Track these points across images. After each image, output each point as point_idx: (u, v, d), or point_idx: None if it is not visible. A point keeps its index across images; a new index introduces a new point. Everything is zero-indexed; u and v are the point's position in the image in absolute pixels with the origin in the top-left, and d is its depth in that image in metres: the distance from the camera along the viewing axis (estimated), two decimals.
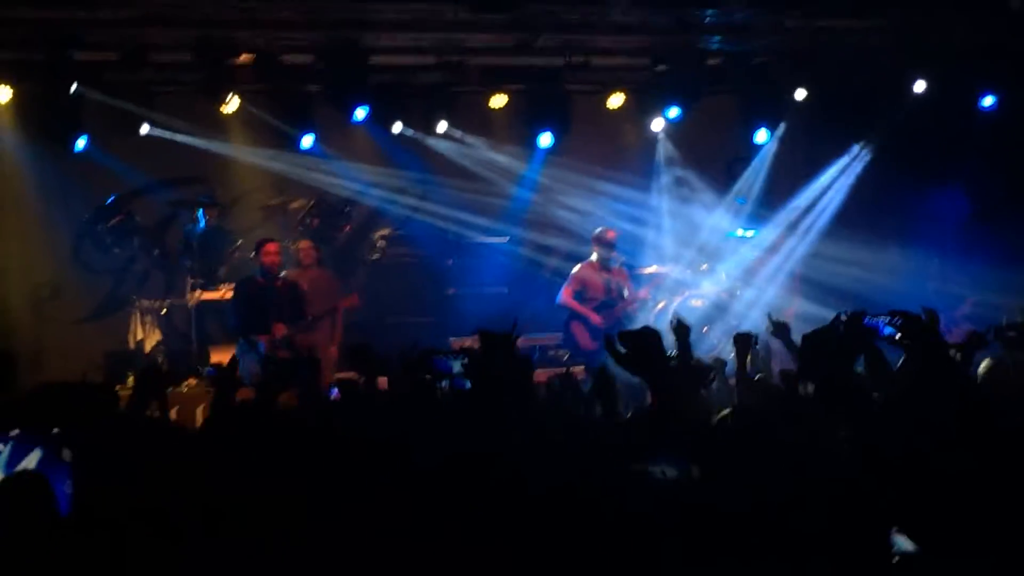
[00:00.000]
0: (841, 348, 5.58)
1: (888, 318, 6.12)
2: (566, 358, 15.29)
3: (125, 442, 6.41)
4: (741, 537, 4.77)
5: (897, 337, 6.10)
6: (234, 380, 7.20)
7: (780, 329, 8.77)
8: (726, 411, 5.46)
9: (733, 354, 8.46)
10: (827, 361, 5.51)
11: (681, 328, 7.65)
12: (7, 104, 14.81)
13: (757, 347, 9.06)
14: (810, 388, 5.86)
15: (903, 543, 4.64)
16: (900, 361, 6.23)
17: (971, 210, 17.14)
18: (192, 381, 14.75)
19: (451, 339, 15.08)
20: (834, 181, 17.30)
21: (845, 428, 5.17)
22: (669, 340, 7.13)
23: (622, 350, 6.38)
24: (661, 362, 6.20)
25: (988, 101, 16.55)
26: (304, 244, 15.48)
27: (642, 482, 5.28)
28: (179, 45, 14.81)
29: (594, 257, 15.47)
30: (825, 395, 5.39)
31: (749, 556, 4.71)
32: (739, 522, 4.81)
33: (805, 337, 5.79)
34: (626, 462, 5.31)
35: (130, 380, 14.52)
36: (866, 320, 5.91)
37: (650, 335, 6.51)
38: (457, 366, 7.45)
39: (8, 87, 14.60)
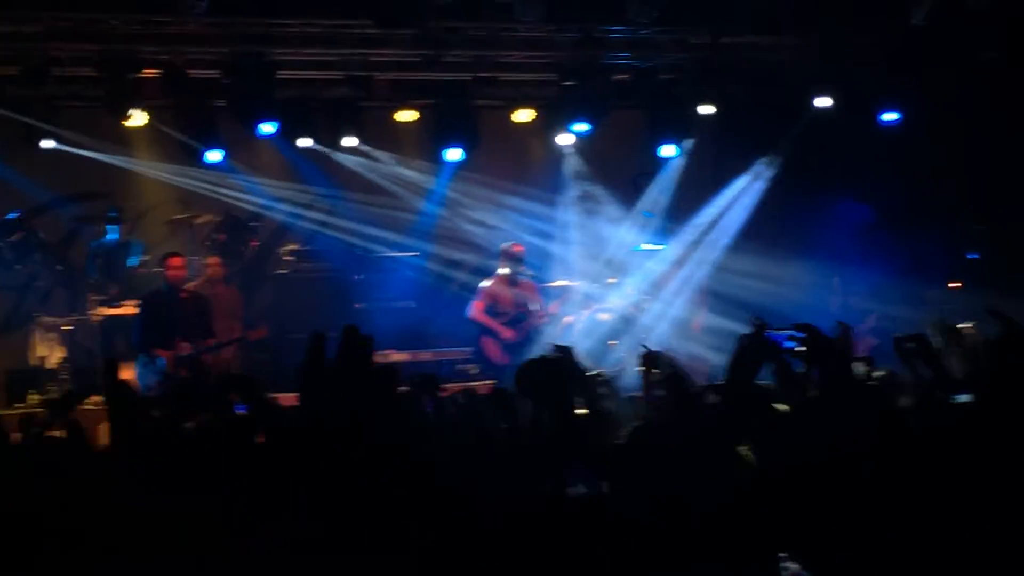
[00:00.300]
0: (743, 359, 5.63)
1: (790, 332, 6.19)
2: (476, 372, 15.32)
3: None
4: (648, 551, 4.81)
5: (798, 350, 6.17)
6: (133, 397, 7.11)
7: (651, 360, 8.72)
8: (631, 427, 5.48)
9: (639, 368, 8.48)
10: (732, 368, 5.57)
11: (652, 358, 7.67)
12: None
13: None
14: (714, 398, 5.92)
15: (792, 567, 4.70)
16: (799, 374, 6.32)
17: (873, 223, 17.38)
18: (96, 399, 14.55)
19: None
20: (740, 195, 17.44)
21: (746, 440, 5.23)
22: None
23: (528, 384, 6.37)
24: (566, 391, 6.19)
25: (890, 116, 16.75)
26: (212, 260, 15.37)
27: (556, 499, 5.30)
28: (83, 60, 14.67)
29: (503, 271, 15.50)
30: (727, 407, 5.45)
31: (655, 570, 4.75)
32: (646, 536, 4.85)
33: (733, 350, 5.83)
34: (537, 480, 5.33)
35: (30, 399, 14.36)
36: (768, 333, 5.98)
37: (550, 367, 6.50)
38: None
39: None
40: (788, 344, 6.26)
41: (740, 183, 17.47)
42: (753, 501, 4.89)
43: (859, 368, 7.30)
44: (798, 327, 6.11)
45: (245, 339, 14.73)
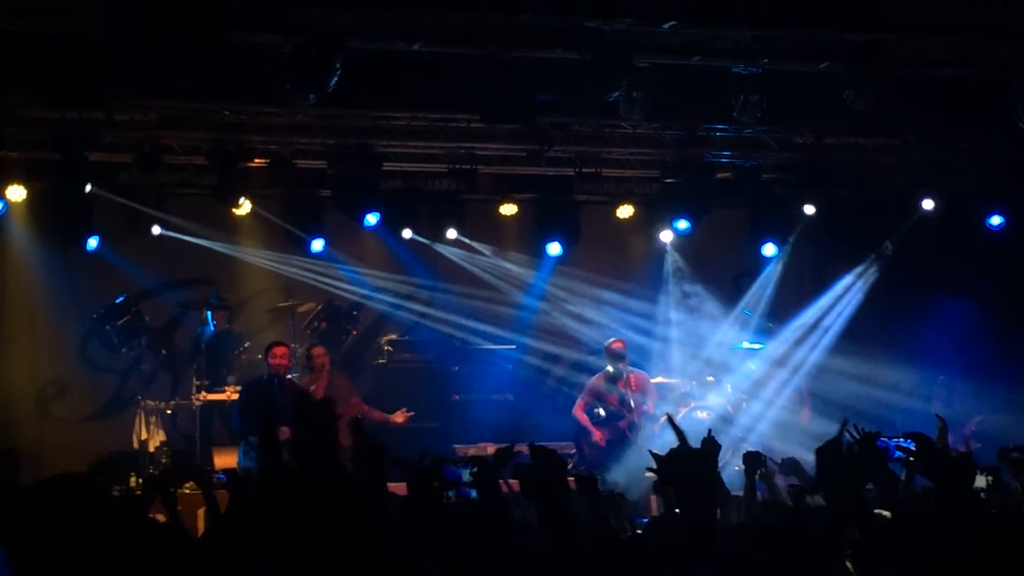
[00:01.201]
0: (853, 468, 5.56)
1: (901, 440, 6.11)
2: (570, 466, 15.26)
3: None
4: None
5: (909, 460, 6.09)
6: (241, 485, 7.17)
7: (754, 462, 8.66)
8: (737, 525, 5.43)
9: (739, 468, 8.44)
10: (838, 476, 5.49)
11: (712, 446, 7.62)
12: (21, 203, 14.90)
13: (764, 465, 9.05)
14: (818, 499, 5.84)
15: None
16: (904, 480, 6.22)
17: (978, 329, 17.12)
18: (192, 483, 14.67)
19: (455, 446, 15.05)
20: (842, 296, 17.31)
21: (852, 544, 5.16)
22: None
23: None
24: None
25: (996, 220, 16.58)
26: (318, 350, 15.35)
27: None
28: (193, 148, 14.95)
29: (608, 368, 15.48)
30: (836, 511, 5.37)
31: None
32: None
33: (818, 451, 5.77)
34: None
35: (132, 480, 14.48)
36: (879, 441, 5.90)
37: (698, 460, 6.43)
38: (466, 475, 7.41)
39: (22, 186, 14.68)
40: (898, 453, 6.18)
41: (843, 283, 17.34)
42: None
43: (980, 480, 7.16)
44: (908, 436, 6.03)
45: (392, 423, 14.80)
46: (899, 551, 5.25)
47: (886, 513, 5.98)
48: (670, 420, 7.42)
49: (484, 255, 17.29)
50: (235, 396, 14.98)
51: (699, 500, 5.49)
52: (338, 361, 16.12)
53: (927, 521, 5.35)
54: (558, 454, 6.31)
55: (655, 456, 5.99)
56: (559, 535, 5.45)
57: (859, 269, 17.30)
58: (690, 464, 5.65)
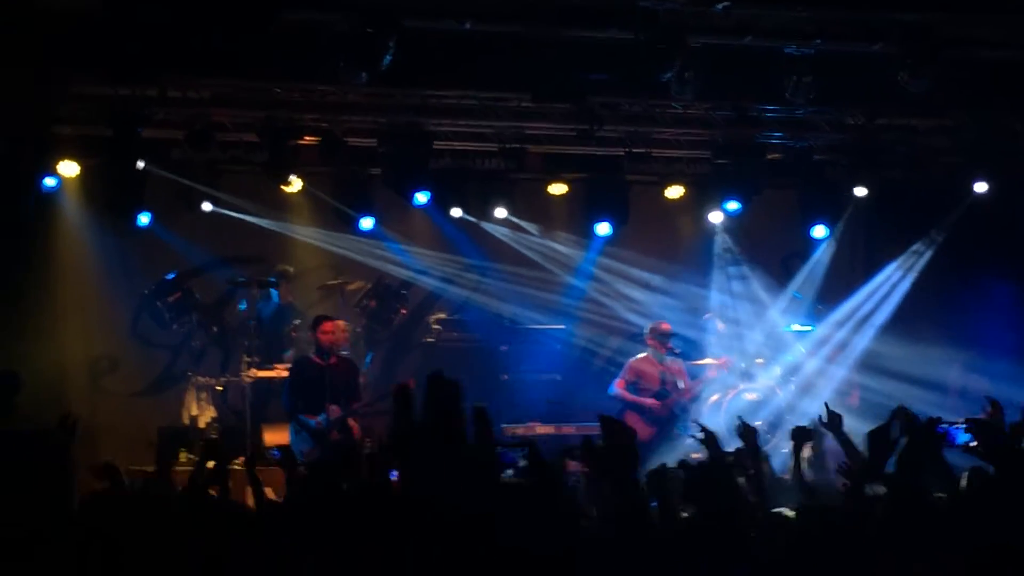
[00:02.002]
0: (911, 455, 5.52)
1: (964, 425, 6.07)
2: None
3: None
4: None
5: (972, 445, 6.04)
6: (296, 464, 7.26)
7: (833, 421, 8.61)
8: (789, 513, 5.41)
9: (787, 449, 8.40)
10: (894, 464, 5.46)
11: (748, 431, 7.62)
12: (74, 179, 15.00)
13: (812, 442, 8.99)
14: (879, 490, 5.78)
15: None
16: (970, 469, 6.15)
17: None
18: (242, 459, 14.74)
19: (503, 425, 15.06)
20: (893, 279, 17.21)
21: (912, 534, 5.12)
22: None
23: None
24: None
25: None
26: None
27: None
28: (245, 126, 15.00)
29: (650, 349, 15.44)
30: (897, 502, 5.33)
31: None
32: None
33: (871, 435, 5.73)
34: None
35: (182, 456, 14.59)
36: (939, 428, 5.85)
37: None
38: (521, 460, 7.46)
39: (75, 162, 14.78)
40: (961, 439, 6.14)
41: (893, 267, 17.25)
42: None
43: None
44: (970, 421, 5.99)
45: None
46: (959, 542, 5.20)
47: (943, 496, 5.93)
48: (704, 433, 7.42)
49: (532, 235, 17.27)
50: (285, 373, 15.06)
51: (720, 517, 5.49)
52: (382, 341, 16.20)
53: (988, 511, 5.31)
54: (630, 427, 6.32)
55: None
56: (629, 514, 5.45)
57: (911, 251, 17.17)
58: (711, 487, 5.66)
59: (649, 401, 15.18)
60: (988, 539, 4.98)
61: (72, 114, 14.58)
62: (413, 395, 7.17)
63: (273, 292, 16.20)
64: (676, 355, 15.56)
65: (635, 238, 17.21)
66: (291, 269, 16.61)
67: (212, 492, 7.60)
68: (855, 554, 4.72)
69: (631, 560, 5.38)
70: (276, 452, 11.92)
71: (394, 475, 7.26)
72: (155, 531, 6.58)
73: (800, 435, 8.43)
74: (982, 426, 5.82)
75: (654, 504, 6.80)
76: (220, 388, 15.86)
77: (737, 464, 7.65)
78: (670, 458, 13.51)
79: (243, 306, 16.25)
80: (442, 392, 6.81)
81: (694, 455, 10.01)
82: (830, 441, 9.11)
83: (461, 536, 5.76)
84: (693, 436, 7.39)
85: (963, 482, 6.03)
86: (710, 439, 7.64)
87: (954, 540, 5.08)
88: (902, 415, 6.90)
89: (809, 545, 4.89)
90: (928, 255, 17.13)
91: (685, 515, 6.71)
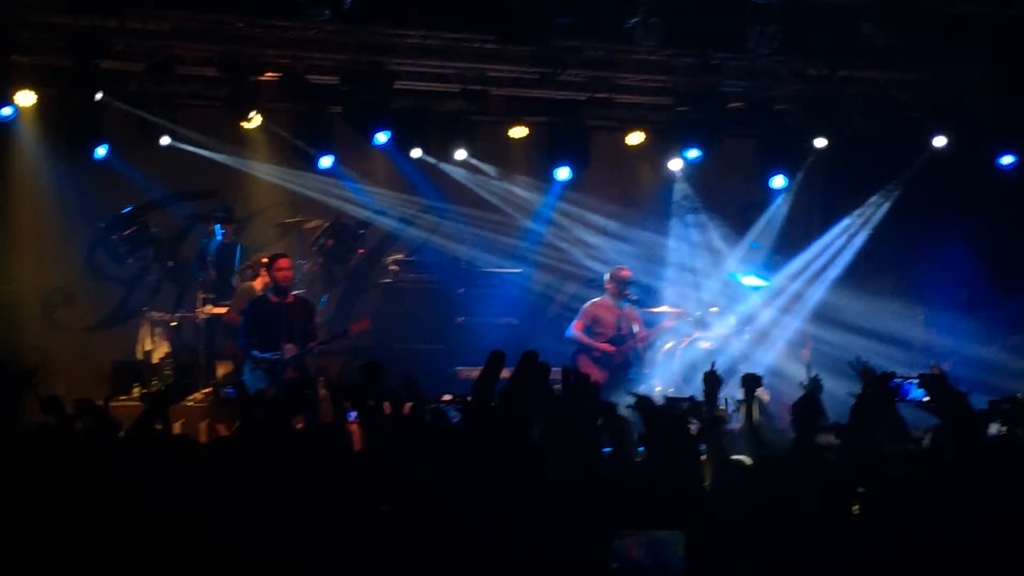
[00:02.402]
0: (866, 408, 5.55)
1: (917, 380, 6.11)
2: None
3: None
4: None
5: (925, 400, 6.07)
6: (252, 402, 7.24)
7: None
8: (747, 461, 5.45)
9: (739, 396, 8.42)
10: (847, 415, 5.50)
11: (712, 379, 7.64)
12: (30, 108, 14.81)
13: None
14: (830, 439, 5.84)
15: None
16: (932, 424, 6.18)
17: (984, 267, 17.11)
18: (198, 396, 14.74)
19: (457, 368, 15.09)
20: (850, 231, 17.27)
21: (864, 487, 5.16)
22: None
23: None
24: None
25: (1007, 160, 16.52)
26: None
27: None
28: (205, 60, 14.86)
29: (607, 294, 15.44)
30: (845, 451, 5.38)
31: None
32: None
33: (795, 405, 5.75)
34: None
35: (135, 391, 14.56)
36: (893, 383, 5.89)
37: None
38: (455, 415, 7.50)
39: (32, 92, 14.59)
40: (915, 394, 6.19)
41: (850, 219, 17.31)
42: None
43: (994, 427, 7.13)
44: (924, 377, 6.01)
45: (347, 333, 14.68)
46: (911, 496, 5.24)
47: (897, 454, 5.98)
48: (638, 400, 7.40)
49: (492, 177, 17.23)
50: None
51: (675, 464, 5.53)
52: (340, 280, 16.14)
53: (941, 466, 5.35)
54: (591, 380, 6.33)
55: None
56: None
57: (869, 203, 17.24)
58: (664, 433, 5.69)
59: (604, 346, 15.17)
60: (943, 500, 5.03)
61: (31, 43, 14.37)
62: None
63: (217, 228, 16.05)
64: (633, 302, 15.55)
65: (594, 184, 17.20)
66: (233, 207, 16.41)
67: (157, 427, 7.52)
68: (808, 502, 4.77)
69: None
70: (231, 391, 11.90)
71: (352, 416, 7.26)
72: (96, 467, 6.53)
73: (751, 383, 8.44)
74: (933, 380, 5.85)
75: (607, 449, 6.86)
76: (174, 324, 15.79)
77: (691, 411, 7.69)
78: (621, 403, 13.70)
79: (203, 241, 16.15)
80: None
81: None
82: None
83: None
84: (628, 406, 7.35)
85: (925, 441, 6.08)
86: (641, 403, 7.57)
87: (909, 496, 5.12)
88: (860, 367, 6.96)
89: (766, 492, 4.94)
90: (885, 207, 17.19)
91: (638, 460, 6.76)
